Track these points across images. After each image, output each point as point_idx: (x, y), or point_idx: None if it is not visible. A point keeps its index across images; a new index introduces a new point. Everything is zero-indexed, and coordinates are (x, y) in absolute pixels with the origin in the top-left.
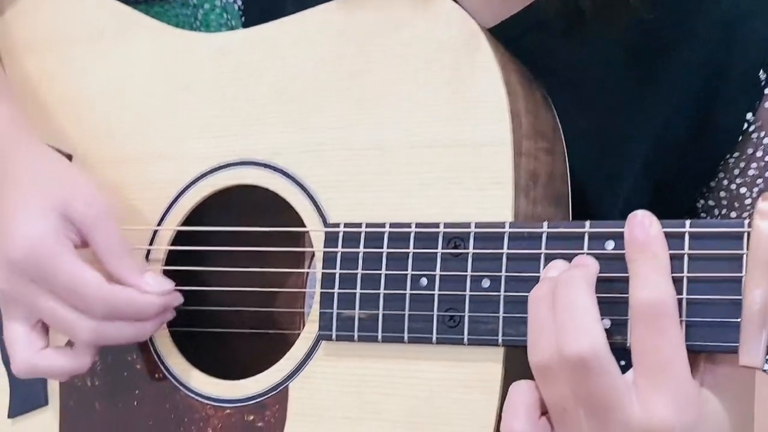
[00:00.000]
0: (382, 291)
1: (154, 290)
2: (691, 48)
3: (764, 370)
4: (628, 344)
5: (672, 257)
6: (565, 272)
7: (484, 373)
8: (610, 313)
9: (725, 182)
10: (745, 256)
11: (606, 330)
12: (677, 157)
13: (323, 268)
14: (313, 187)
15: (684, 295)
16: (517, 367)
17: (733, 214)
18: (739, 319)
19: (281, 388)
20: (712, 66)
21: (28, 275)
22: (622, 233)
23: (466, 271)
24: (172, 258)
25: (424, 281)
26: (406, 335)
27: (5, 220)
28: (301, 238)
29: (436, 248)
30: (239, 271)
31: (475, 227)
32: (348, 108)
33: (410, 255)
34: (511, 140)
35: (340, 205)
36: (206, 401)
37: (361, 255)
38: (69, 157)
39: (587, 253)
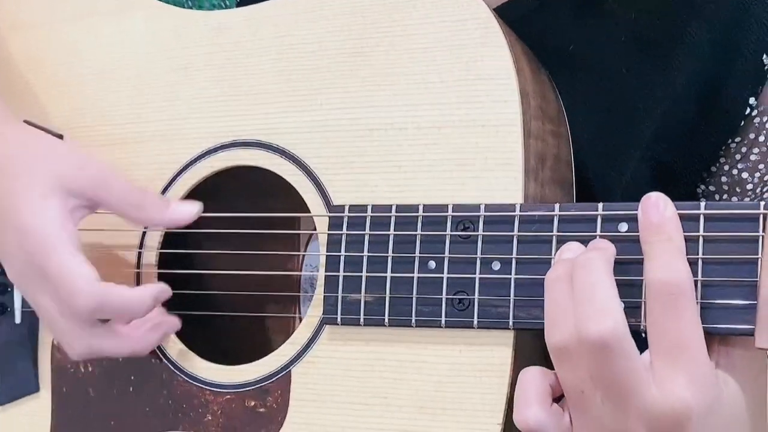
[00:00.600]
0: (388, 274)
1: (189, 216)
2: (702, 27)
3: None
4: (642, 327)
5: (686, 239)
6: (582, 254)
7: (494, 357)
8: (623, 296)
9: (726, 167)
10: (761, 238)
11: None
12: (680, 140)
13: (327, 251)
14: (316, 169)
15: (699, 278)
16: (527, 350)
17: (735, 199)
18: (755, 302)
19: (284, 372)
20: (721, 46)
21: (31, 267)
22: (635, 215)
23: (476, 254)
24: (168, 241)
25: (432, 264)
26: (413, 319)
27: (5, 214)
28: (296, 220)
29: (445, 231)
30: (234, 255)
31: (485, 210)
32: (353, 87)
33: (418, 237)
34: (520, 120)
35: (345, 187)
36: (205, 386)
37: (366, 238)
38: (60, 138)
39: (600, 235)
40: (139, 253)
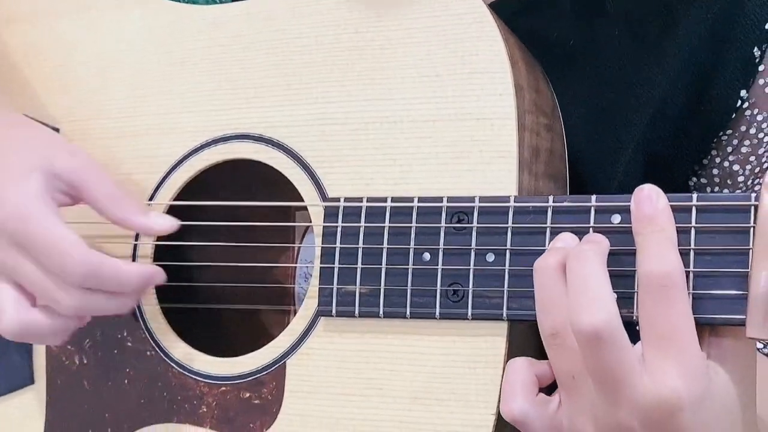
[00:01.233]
0: (383, 266)
1: (164, 228)
2: (695, 20)
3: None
4: (634, 317)
5: (679, 231)
6: (576, 247)
7: (488, 348)
8: (616, 287)
9: (718, 159)
10: (752, 230)
11: None
12: (673, 132)
13: (322, 243)
14: (311, 161)
15: (691, 269)
16: (521, 341)
17: (726, 191)
18: (746, 292)
19: (278, 364)
20: (713, 39)
21: (9, 240)
22: (628, 207)
23: (470, 246)
24: None
25: (427, 256)
26: (408, 310)
27: None
28: (291, 213)
29: (440, 223)
30: (230, 247)
31: (480, 201)
32: (349, 81)
33: (413, 229)
34: (515, 113)
35: (340, 180)
36: (200, 379)
37: (362, 230)
38: (56, 131)
39: (593, 227)
40: (135, 245)
